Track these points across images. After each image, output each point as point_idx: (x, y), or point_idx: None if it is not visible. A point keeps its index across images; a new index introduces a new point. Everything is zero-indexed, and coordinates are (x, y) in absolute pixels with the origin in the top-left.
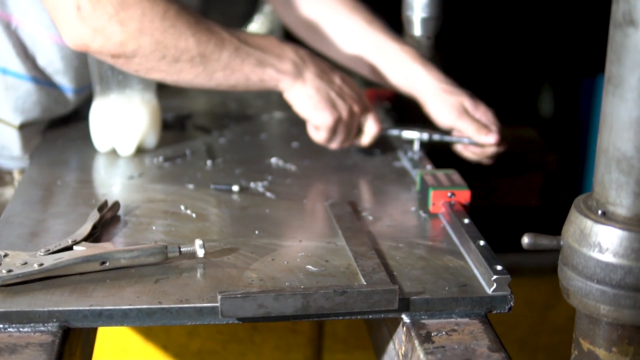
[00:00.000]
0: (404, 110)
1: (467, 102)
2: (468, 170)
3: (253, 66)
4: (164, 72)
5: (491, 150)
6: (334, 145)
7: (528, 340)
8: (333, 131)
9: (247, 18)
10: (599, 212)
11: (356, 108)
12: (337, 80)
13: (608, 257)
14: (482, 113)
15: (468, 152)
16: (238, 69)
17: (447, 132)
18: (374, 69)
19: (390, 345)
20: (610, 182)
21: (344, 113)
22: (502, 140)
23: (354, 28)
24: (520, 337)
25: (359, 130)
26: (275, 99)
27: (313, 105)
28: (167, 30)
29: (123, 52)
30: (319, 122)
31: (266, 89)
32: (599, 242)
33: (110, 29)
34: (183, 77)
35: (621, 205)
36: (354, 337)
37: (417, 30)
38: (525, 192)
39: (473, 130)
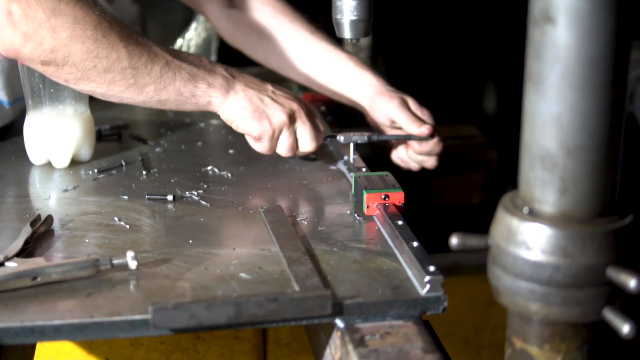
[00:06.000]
0: (340, 114)
1: (409, 100)
2: (407, 171)
3: (185, 80)
4: (95, 83)
5: (427, 147)
6: (284, 152)
7: (472, 338)
8: (276, 139)
9: (184, 26)
10: (525, 210)
11: (295, 106)
12: (269, 86)
13: (535, 255)
14: (424, 113)
15: (407, 157)
16: (170, 83)
17: (383, 133)
18: (317, 78)
19: (327, 350)
20: (535, 179)
21: (283, 116)
22: (438, 135)
23: (298, 38)
24: (465, 335)
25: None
26: None
27: (250, 116)
28: (99, 40)
29: (54, 59)
30: (258, 132)
31: (197, 107)
32: (525, 240)
33: (41, 35)
34: (113, 89)
35: (546, 202)
36: (298, 342)
37: (346, 33)
38: (467, 191)
39: (408, 122)
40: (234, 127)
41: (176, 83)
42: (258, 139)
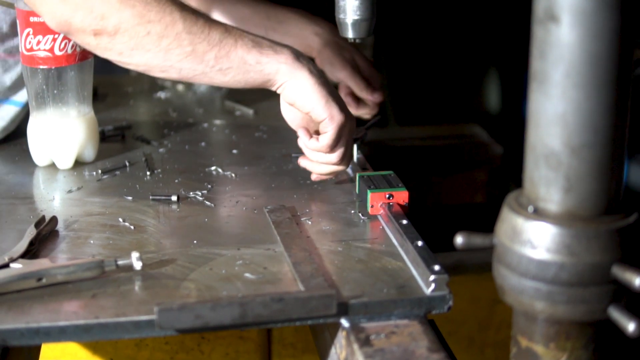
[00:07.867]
0: None
1: (357, 57)
2: (411, 170)
3: (249, 47)
4: (150, 52)
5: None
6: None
7: (476, 336)
8: (344, 136)
9: None
10: (530, 208)
11: (351, 116)
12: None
13: (540, 254)
14: (371, 71)
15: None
16: (231, 50)
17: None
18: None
19: (332, 350)
20: (539, 178)
21: (347, 117)
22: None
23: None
24: (469, 333)
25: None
26: (215, 107)
27: (323, 95)
28: (150, 3)
29: (105, 27)
30: (329, 114)
31: (262, 78)
32: (530, 238)
33: (91, 2)
34: (170, 58)
35: (551, 201)
36: (303, 342)
37: (349, 32)
38: (471, 189)
39: (362, 87)
40: (299, 104)
41: (238, 50)
42: (326, 124)
